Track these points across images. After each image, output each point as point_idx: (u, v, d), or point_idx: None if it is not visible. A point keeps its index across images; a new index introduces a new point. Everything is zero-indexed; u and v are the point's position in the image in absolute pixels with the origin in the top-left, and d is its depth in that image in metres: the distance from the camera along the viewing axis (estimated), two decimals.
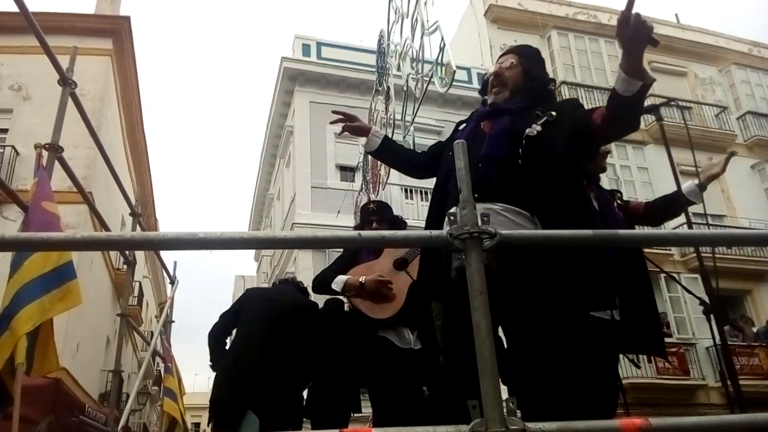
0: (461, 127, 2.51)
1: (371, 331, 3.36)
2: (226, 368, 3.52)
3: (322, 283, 3.60)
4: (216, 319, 3.82)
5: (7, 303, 2.78)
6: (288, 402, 3.41)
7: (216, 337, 3.72)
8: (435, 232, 1.56)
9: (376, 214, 3.67)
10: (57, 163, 3.68)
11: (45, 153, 3.53)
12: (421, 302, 3.29)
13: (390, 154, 2.85)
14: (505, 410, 1.35)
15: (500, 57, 2.60)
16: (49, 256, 3.00)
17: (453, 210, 1.63)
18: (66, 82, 3.88)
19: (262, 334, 3.49)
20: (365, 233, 1.59)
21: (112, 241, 1.63)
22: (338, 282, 3.48)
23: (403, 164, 2.83)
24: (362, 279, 3.38)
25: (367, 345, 3.36)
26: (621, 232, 1.90)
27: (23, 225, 3.09)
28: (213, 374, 3.71)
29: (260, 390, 3.29)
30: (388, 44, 7.61)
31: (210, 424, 3.67)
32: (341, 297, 3.62)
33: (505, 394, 1.43)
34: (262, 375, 3.32)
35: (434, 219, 2.34)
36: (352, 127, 2.82)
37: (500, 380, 1.45)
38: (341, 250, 4.22)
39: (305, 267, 12.39)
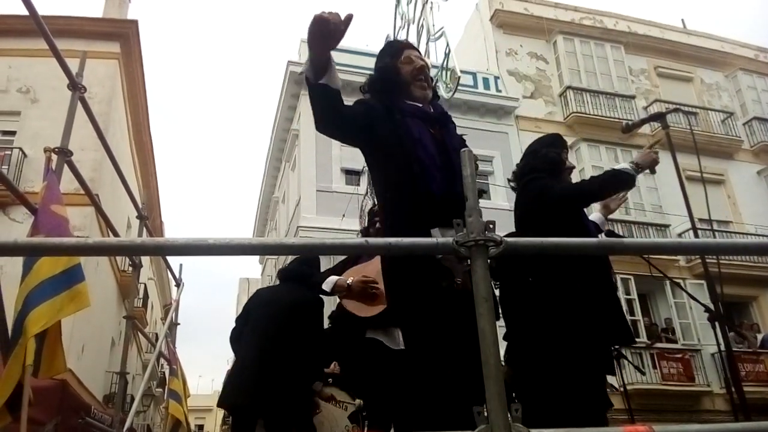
0: (396, 117, 2.28)
1: (359, 333, 3.35)
2: (234, 374, 3.61)
3: (316, 284, 3.62)
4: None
5: (20, 307, 2.81)
6: (294, 406, 3.44)
7: (233, 340, 3.85)
8: (441, 240, 1.58)
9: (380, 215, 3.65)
10: (65, 165, 3.71)
11: (54, 157, 3.57)
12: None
13: (336, 97, 2.19)
14: (510, 417, 1.36)
15: (412, 50, 2.52)
16: (59, 259, 3.02)
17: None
18: (75, 86, 3.92)
19: (265, 340, 3.56)
20: (372, 240, 1.60)
21: (123, 247, 1.66)
22: (328, 283, 3.49)
23: (337, 112, 2.21)
24: (349, 281, 3.41)
25: (355, 348, 3.35)
26: (626, 240, 1.92)
27: (32, 228, 3.12)
28: (216, 376, 3.80)
29: (266, 396, 3.34)
30: None
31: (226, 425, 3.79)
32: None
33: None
34: (266, 381, 3.37)
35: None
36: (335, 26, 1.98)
37: None
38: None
39: None
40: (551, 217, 2.79)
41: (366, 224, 3.89)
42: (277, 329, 3.56)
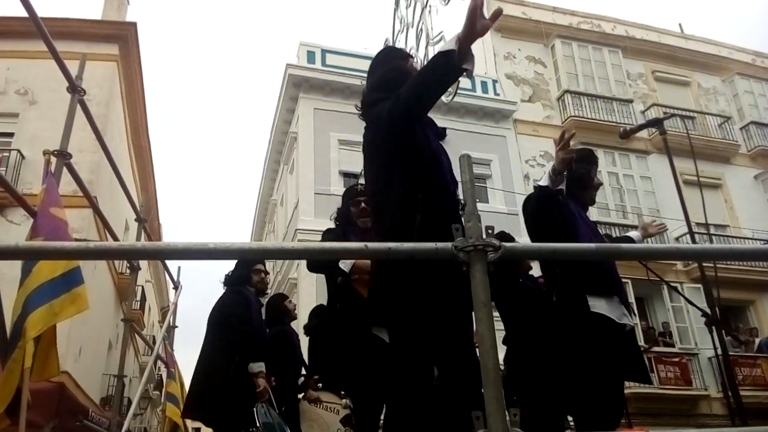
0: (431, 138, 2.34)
1: (364, 329, 3.12)
2: None
3: (324, 261, 3.36)
4: None
5: (19, 311, 2.81)
6: (225, 406, 3.69)
7: None
8: (440, 245, 1.59)
9: (365, 194, 3.51)
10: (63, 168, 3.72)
11: (53, 159, 3.57)
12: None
13: None
14: (508, 421, 1.37)
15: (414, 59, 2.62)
16: (58, 262, 3.02)
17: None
18: (75, 89, 3.92)
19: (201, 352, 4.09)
20: (372, 245, 1.61)
21: (124, 251, 1.66)
22: (346, 263, 3.20)
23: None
24: None
25: (359, 344, 3.16)
26: (623, 246, 1.92)
27: (32, 231, 3.12)
28: None
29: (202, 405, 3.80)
30: None
31: None
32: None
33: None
34: (199, 391, 3.85)
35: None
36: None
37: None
38: None
39: (308, 273, 12.32)
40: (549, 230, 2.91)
41: (344, 204, 3.65)
42: (205, 339, 4.00)
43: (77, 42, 11.69)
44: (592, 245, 1.71)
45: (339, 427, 4.24)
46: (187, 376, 7.79)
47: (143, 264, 18.29)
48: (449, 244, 1.55)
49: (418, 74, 2.16)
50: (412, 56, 2.69)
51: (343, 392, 4.33)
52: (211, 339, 3.92)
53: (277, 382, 4.28)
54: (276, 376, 4.29)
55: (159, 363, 8.25)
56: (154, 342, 10.32)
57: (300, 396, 4.39)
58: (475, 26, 1.96)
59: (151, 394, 17.16)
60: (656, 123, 3.73)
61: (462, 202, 1.73)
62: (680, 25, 19.74)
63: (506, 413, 1.38)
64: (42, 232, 3.03)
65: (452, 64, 2.01)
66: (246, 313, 4.07)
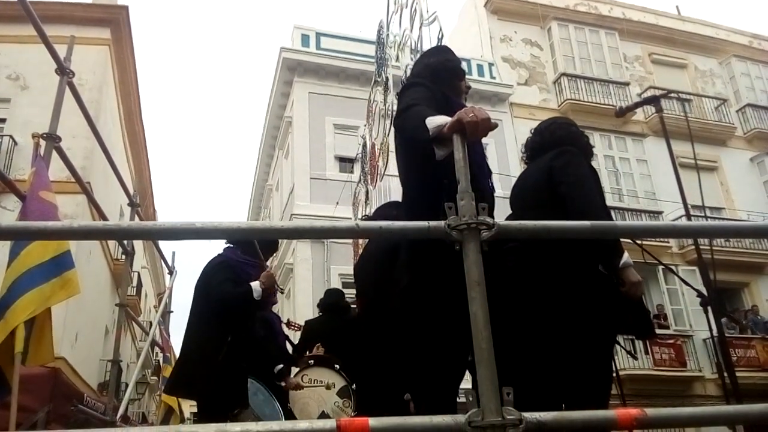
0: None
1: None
2: None
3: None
4: None
5: (4, 292, 2.78)
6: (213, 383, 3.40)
7: None
8: (432, 223, 1.56)
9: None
10: (55, 153, 3.67)
11: (42, 142, 3.53)
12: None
13: None
14: (501, 400, 1.36)
15: None
16: (48, 246, 2.99)
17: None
18: (63, 71, 3.87)
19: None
20: (363, 224, 1.59)
21: (109, 231, 1.63)
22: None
23: None
24: None
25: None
26: (619, 223, 1.91)
27: (21, 214, 3.09)
28: None
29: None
30: (388, 35, 7.58)
31: None
32: None
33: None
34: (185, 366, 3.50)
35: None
36: None
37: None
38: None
39: (304, 258, 12.38)
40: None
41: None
42: (191, 313, 3.56)
43: (68, 26, 11.51)
44: (587, 223, 1.69)
45: (336, 399, 4.28)
46: None
47: (139, 250, 18.27)
48: (442, 223, 1.53)
49: (413, 114, 2.18)
50: (467, 83, 2.73)
51: (337, 365, 4.36)
52: (198, 314, 3.50)
53: (260, 366, 4.17)
54: (260, 360, 4.18)
55: (156, 348, 8.25)
56: (151, 327, 10.32)
57: (284, 381, 4.34)
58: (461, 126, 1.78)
59: (148, 379, 17.21)
60: (653, 101, 3.70)
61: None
62: (677, 7, 19.64)
63: (499, 392, 1.37)
64: (31, 215, 3.00)
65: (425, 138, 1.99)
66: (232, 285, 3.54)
